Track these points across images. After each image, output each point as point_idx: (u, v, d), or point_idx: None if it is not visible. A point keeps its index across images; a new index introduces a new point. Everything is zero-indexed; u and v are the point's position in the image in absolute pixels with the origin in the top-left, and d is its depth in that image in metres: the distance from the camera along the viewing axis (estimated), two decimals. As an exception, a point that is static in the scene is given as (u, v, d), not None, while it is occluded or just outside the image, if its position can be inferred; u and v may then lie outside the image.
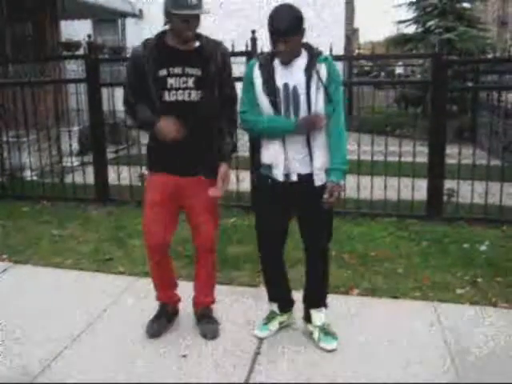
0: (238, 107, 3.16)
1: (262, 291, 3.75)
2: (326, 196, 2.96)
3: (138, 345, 3.30)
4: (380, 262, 4.48)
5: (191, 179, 3.15)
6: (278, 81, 2.96)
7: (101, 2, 11.77)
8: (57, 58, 8.42)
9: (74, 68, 8.73)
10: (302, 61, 2.97)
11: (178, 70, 3.01)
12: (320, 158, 3.02)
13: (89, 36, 6.57)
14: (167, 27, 3.04)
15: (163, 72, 3.01)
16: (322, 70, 2.95)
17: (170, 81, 3.02)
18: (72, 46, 8.48)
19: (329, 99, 2.96)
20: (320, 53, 3.02)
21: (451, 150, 5.77)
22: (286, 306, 3.43)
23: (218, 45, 3.12)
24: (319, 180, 3.04)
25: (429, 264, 4.45)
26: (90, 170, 6.74)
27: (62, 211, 6.23)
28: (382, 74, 17.88)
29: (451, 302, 3.80)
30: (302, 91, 2.94)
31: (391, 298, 3.89)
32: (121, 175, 6.35)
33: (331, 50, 5.45)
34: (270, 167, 3.09)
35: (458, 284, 4.07)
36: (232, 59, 3.27)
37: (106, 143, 6.76)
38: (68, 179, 7.00)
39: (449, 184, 5.66)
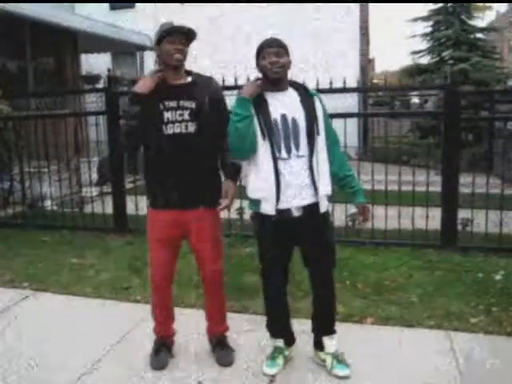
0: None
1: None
2: (361, 218, 3.10)
3: (156, 372, 3.35)
4: (394, 291, 4.50)
5: (193, 212, 3.20)
6: (273, 112, 3.02)
7: (119, 36, 12.06)
8: (77, 92, 8.63)
9: (93, 100, 8.94)
10: (293, 94, 3.07)
11: (173, 104, 3.13)
12: (325, 185, 3.08)
13: (108, 70, 6.75)
14: (161, 67, 3.19)
15: (160, 106, 3.12)
16: (317, 103, 3.08)
17: (167, 114, 3.12)
18: (92, 78, 8.70)
19: (328, 130, 3.11)
20: (305, 85, 3.17)
21: (465, 180, 5.81)
22: (291, 340, 3.44)
23: (210, 79, 3.26)
24: (323, 207, 3.09)
25: (443, 293, 4.46)
26: (108, 199, 6.86)
27: (81, 240, 6.35)
28: (397, 103, 17.96)
29: (465, 331, 3.80)
30: (302, 123, 3.01)
31: (405, 327, 3.90)
32: (139, 205, 6.45)
33: (344, 82, 5.57)
34: (258, 202, 3.10)
35: (473, 313, 4.07)
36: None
37: (125, 173, 6.89)
38: (87, 209, 7.14)
39: (463, 213, 5.68)
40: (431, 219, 5.66)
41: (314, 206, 3.06)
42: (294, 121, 3.01)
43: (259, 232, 3.23)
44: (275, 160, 3.00)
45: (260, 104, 3.02)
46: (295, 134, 3.01)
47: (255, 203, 3.12)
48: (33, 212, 7.28)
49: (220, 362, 3.40)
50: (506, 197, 5.69)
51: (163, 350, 3.48)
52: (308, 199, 3.05)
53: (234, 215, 5.92)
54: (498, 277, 4.75)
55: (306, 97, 3.08)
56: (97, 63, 13.20)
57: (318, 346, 3.35)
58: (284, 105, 3.03)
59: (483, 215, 5.58)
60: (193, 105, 3.13)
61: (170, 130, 3.12)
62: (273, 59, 2.96)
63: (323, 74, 5.63)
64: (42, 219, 7.08)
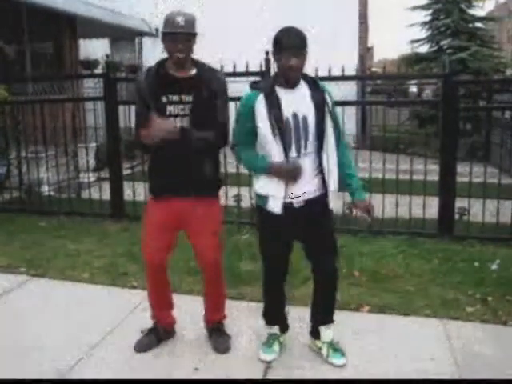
0: (230, 137, 3.22)
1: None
2: (365, 215, 3.12)
3: (152, 357, 3.37)
4: (390, 280, 4.52)
5: (190, 201, 3.19)
6: (285, 110, 2.97)
7: (118, 21, 11.99)
8: (75, 77, 8.60)
9: (90, 85, 8.91)
10: (303, 89, 3.03)
11: (175, 98, 3.11)
12: (334, 181, 3.10)
13: (107, 55, 6.72)
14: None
15: (163, 99, 3.12)
16: (327, 98, 3.03)
17: (170, 108, 3.12)
18: (90, 64, 8.65)
19: (335, 125, 3.07)
20: (315, 78, 3.12)
21: (463, 169, 5.82)
22: (286, 327, 3.47)
23: (214, 73, 3.21)
24: (332, 202, 3.12)
25: (439, 282, 4.48)
26: (106, 185, 6.86)
27: (78, 226, 6.35)
28: (394, 92, 17.88)
29: (461, 320, 3.83)
30: (311, 120, 2.98)
31: (401, 316, 3.92)
32: (136, 191, 6.45)
33: (343, 70, 5.55)
34: (265, 198, 3.10)
35: (469, 302, 4.09)
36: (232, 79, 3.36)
37: (122, 159, 6.88)
38: (84, 195, 7.14)
39: (460, 202, 5.69)
40: (428, 208, 5.67)
41: (317, 200, 3.08)
42: (304, 119, 2.98)
43: (261, 224, 3.25)
44: (286, 158, 3.00)
45: (272, 101, 2.97)
46: (305, 132, 2.99)
47: (262, 198, 3.12)
48: (30, 197, 7.26)
49: (216, 349, 3.42)
50: (503, 186, 5.71)
51: (151, 334, 3.50)
52: (312, 193, 3.07)
53: (231, 202, 5.94)
54: (494, 266, 4.77)
55: (317, 92, 3.02)
56: (95, 48, 13.12)
57: (315, 334, 3.37)
58: (295, 102, 2.99)
59: (480, 204, 5.59)
60: (191, 99, 3.11)
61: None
62: (292, 63, 2.88)
63: (321, 61, 5.60)
64: (39, 204, 7.07)
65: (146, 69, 3.24)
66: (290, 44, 2.88)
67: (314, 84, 3.06)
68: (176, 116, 3.11)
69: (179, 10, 3.09)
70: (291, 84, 3.01)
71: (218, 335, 3.49)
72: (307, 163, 3.03)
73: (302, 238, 3.22)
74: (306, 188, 3.05)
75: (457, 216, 5.68)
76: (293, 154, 3.00)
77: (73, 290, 4.48)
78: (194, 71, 3.16)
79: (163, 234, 3.30)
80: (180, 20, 2.99)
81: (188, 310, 3.82)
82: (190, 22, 3.05)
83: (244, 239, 5.54)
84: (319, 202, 3.09)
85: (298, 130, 2.98)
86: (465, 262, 4.89)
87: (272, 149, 2.99)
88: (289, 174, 2.97)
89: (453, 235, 5.56)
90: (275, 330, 3.41)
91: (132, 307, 4.07)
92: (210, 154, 3.25)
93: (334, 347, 3.29)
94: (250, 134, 3.05)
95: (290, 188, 3.02)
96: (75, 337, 3.62)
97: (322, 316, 3.35)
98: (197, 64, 3.19)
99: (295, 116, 2.98)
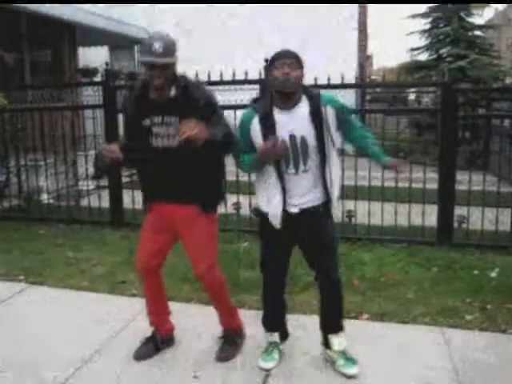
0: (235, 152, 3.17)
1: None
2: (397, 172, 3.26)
3: (150, 365, 3.36)
4: (390, 287, 4.52)
5: (183, 211, 3.19)
6: (282, 132, 2.96)
7: (117, 29, 12.02)
8: (75, 85, 8.61)
9: (90, 93, 8.91)
10: (304, 107, 2.99)
11: (158, 119, 3.11)
12: (337, 188, 3.13)
13: (106, 63, 6.73)
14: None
15: (147, 122, 3.13)
16: (330, 114, 2.99)
17: (154, 129, 3.12)
18: (89, 72, 8.66)
19: (348, 126, 3.13)
20: (319, 94, 3.04)
21: (462, 177, 5.82)
22: (286, 335, 3.46)
23: (197, 88, 3.08)
24: (334, 209, 3.16)
25: (438, 290, 4.48)
26: (105, 193, 6.86)
27: (77, 234, 6.34)
28: (394, 100, 17.90)
29: (460, 328, 3.82)
30: (311, 140, 2.97)
31: (400, 323, 3.92)
32: (135, 199, 6.44)
33: (342, 78, 5.57)
34: (267, 215, 3.13)
35: (468, 310, 4.09)
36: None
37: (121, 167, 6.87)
38: (84, 202, 7.14)
39: (459, 210, 5.70)
40: (427, 216, 5.68)
41: (318, 208, 3.09)
42: (302, 139, 2.98)
43: (262, 232, 3.27)
44: (282, 177, 3.03)
45: (267, 124, 2.97)
46: (304, 151, 2.99)
47: (263, 210, 3.16)
48: (29, 205, 7.26)
49: (217, 357, 3.41)
50: (502, 194, 5.71)
51: (150, 343, 3.50)
52: (312, 202, 3.08)
53: (230, 210, 5.94)
54: (493, 274, 4.77)
55: (317, 108, 2.98)
56: (94, 56, 13.15)
57: (326, 344, 3.34)
58: (293, 122, 2.97)
59: (479, 212, 5.60)
60: (177, 120, 3.05)
61: (158, 143, 3.13)
62: (285, 70, 2.88)
63: (321, 69, 5.62)
64: (38, 212, 7.07)
65: (128, 91, 3.25)
66: (281, 55, 2.93)
67: (317, 99, 3.00)
68: (162, 137, 3.11)
69: (158, 34, 3.01)
70: (288, 101, 2.98)
71: (223, 344, 3.49)
72: (307, 177, 3.05)
73: (304, 246, 3.22)
74: (306, 198, 3.07)
75: (456, 224, 5.69)
76: (291, 170, 3.03)
77: (72, 298, 4.48)
78: (173, 92, 3.08)
79: (155, 237, 3.30)
80: (158, 47, 2.90)
81: (188, 317, 3.81)
82: (168, 47, 2.96)
83: (243, 247, 5.53)
84: (319, 211, 3.10)
85: (295, 150, 2.99)
86: (464, 270, 4.89)
87: (268, 167, 3.04)
88: (274, 150, 2.91)
89: (452, 243, 5.56)
90: (275, 337, 3.40)
91: (131, 315, 4.06)
92: (201, 172, 3.17)
93: (346, 356, 3.26)
94: (248, 146, 3.08)
95: (290, 199, 3.05)
96: (73, 345, 3.61)
97: (329, 325, 3.33)
98: (179, 82, 3.09)
99: (293, 137, 2.97)
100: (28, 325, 3.95)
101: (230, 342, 3.50)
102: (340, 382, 3.16)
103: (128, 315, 4.06)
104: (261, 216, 3.19)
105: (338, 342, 3.29)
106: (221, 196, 3.38)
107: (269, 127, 2.97)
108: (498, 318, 3.94)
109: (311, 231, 3.12)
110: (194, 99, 3.04)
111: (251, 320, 3.82)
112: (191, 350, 3.54)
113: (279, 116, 2.99)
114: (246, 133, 3.06)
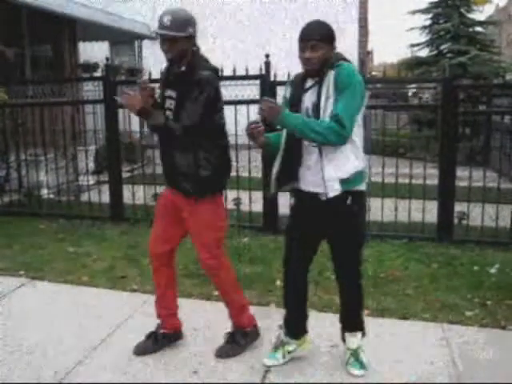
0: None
1: (273, 311, 3.83)
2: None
3: (151, 360, 3.36)
4: (390, 283, 4.52)
5: (183, 198, 3.21)
6: (306, 101, 2.95)
7: (118, 24, 12.01)
8: (75, 80, 8.61)
9: (90, 88, 8.91)
10: (332, 76, 2.87)
11: (168, 92, 3.18)
12: (331, 168, 2.91)
13: (107, 59, 6.72)
14: None
15: (165, 93, 3.21)
16: (330, 79, 2.85)
17: (167, 102, 3.19)
18: (90, 67, 8.67)
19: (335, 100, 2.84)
20: (335, 60, 2.89)
21: (462, 173, 5.82)
22: (298, 333, 3.34)
23: (200, 70, 3.07)
24: (331, 190, 2.91)
25: (438, 286, 4.48)
26: (105, 188, 6.86)
27: (77, 229, 6.35)
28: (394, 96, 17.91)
29: (460, 324, 3.82)
30: (319, 107, 2.88)
31: (400, 319, 3.92)
32: (135, 194, 6.45)
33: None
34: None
35: (468, 306, 4.09)
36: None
37: (122, 162, 6.89)
38: (84, 198, 7.14)
39: (460, 206, 5.70)
40: (427, 212, 5.68)
41: (324, 197, 2.95)
42: (315, 106, 2.92)
43: (290, 213, 3.31)
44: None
45: (297, 92, 3.00)
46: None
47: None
48: (29, 200, 7.26)
49: (216, 353, 3.40)
50: (502, 190, 5.72)
51: (151, 337, 3.49)
52: (318, 188, 2.95)
53: (230, 205, 5.94)
54: (493, 270, 4.77)
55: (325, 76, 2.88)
56: (95, 51, 13.15)
57: (344, 338, 3.31)
58: (321, 91, 2.88)
59: (479, 209, 5.60)
60: (175, 95, 3.13)
61: (167, 116, 3.16)
62: (306, 55, 2.86)
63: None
64: (39, 207, 7.08)
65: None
66: (302, 33, 2.90)
67: (327, 68, 2.89)
68: (168, 110, 3.16)
69: (174, 8, 3.10)
70: (316, 76, 2.92)
71: (227, 341, 3.46)
72: (316, 152, 2.95)
73: (325, 235, 3.14)
74: (311, 178, 2.98)
75: (456, 220, 5.69)
76: (306, 143, 2.98)
77: (72, 293, 4.48)
78: (183, 68, 3.12)
79: (164, 221, 3.33)
80: (166, 20, 2.97)
81: (189, 313, 3.81)
82: (178, 21, 2.98)
83: (244, 242, 5.53)
84: (334, 201, 2.94)
85: (316, 118, 2.90)
86: (464, 266, 4.89)
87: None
88: (264, 110, 2.86)
89: (452, 239, 5.56)
90: (284, 336, 3.34)
91: (132, 310, 4.07)
92: (192, 156, 3.15)
93: (357, 357, 3.23)
94: None
95: (301, 175, 3.02)
96: (74, 339, 3.62)
97: (345, 322, 3.30)
98: (192, 60, 3.11)
99: (316, 105, 2.90)
100: (27, 319, 3.96)
101: (234, 339, 3.44)
102: (340, 379, 3.16)
103: (128, 310, 4.07)
104: (293, 198, 3.20)
105: (351, 340, 3.25)
106: (220, 181, 3.30)
107: (297, 94, 2.99)
108: (498, 315, 3.94)
109: (331, 221, 3.06)
110: (196, 77, 3.04)
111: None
112: (192, 346, 3.54)
113: (310, 84, 2.97)
114: (284, 101, 3.08)
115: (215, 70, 3.19)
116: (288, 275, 3.28)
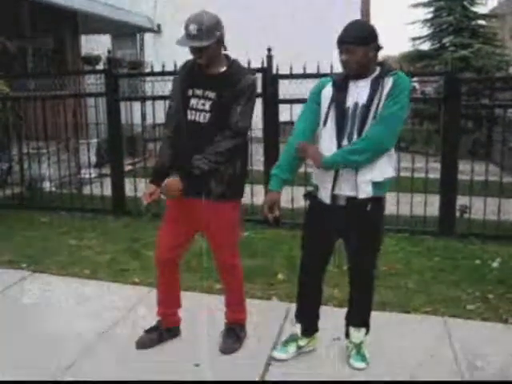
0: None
1: (275, 304, 3.83)
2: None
3: (152, 353, 3.37)
4: (391, 277, 4.52)
5: (202, 202, 3.16)
6: (349, 100, 2.93)
7: (120, 17, 11.98)
8: (77, 73, 8.60)
9: (92, 81, 8.90)
10: (373, 79, 2.91)
11: (199, 92, 3.11)
12: (366, 173, 2.94)
13: (109, 52, 6.71)
14: None
15: (189, 92, 3.13)
16: (388, 84, 2.87)
17: (192, 101, 3.12)
18: (92, 60, 8.66)
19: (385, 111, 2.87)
20: (390, 68, 2.94)
21: (464, 167, 5.82)
22: (311, 329, 3.36)
23: (242, 73, 3.11)
24: (363, 192, 2.95)
25: (440, 279, 4.49)
26: (107, 181, 6.87)
27: (79, 222, 6.36)
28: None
29: (462, 318, 3.83)
30: (369, 109, 2.88)
31: (402, 313, 3.93)
32: (137, 187, 6.45)
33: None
34: (317, 188, 3.11)
35: (469, 300, 4.10)
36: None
37: (124, 156, 6.89)
38: (86, 191, 7.14)
39: (462, 200, 5.69)
40: (429, 206, 5.68)
41: (356, 200, 2.98)
42: (363, 108, 2.90)
43: (307, 213, 3.27)
44: (339, 147, 2.95)
45: (339, 92, 2.96)
46: (362, 121, 2.90)
47: (315, 187, 3.14)
48: (31, 193, 7.27)
49: (221, 348, 3.40)
50: (504, 184, 5.71)
51: (153, 332, 3.48)
52: (353, 191, 2.97)
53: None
54: (494, 264, 4.78)
55: (380, 77, 2.89)
56: (97, 44, 13.12)
57: (347, 334, 3.32)
58: (359, 91, 2.91)
59: (481, 202, 5.60)
60: (214, 96, 3.09)
61: (192, 116, 3.13)
62: (343, 58, 2.88)
63: (322, 58, 5.60)
64: (41, 200, 7.09)
65: (185, 61, 3.25)
66: (339, 40, 2.89)
67: (385, 70, 2.91)
68: (196, 110, 3.12)
69: (198, 14, 2.99)
70: (358, 77, 2.93)
71: (227, 335, 3.46)
72: None
73: (344, 234, 3.15)
74: (348, 186, 2.98)
75: (458, 214, 5.69)
76: (344, 142, 2.95)
77: (74, 286, 4.48)
78: (223, 68, 3.12)
79: (177, 226, 3.30)
80: (192, 29, 2.93)
81: (189, 307, 3.82)
82: (205, 28, 2.94)
83: (245, 236, 5.53)
84: (357, 202, 2.98)
85: (354, 118, 2.92)
86: (466, 260, 4.90)
87: (325, 136, 3.01)
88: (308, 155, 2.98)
89: (454, 233, 5.56)
90: (297, 329, 3.34)
91: (134, 303, 4.07)
92: (238, 153, 3.17)
93: (358, 350, 3.24)
94: (312, 112, 3.05)
95: (338, 179, 2.98)
96: (76, 332, 3.62)
97: (352, 317, 3.31)
98: (229, 61, 3.14)
99: (356, 105, 2.92)
100: (29, 312, 3.96)
101: (234, 334, 3.46)
102: (340, 373, 3.17)
103: (130, 303, 4.07)
104: (311, 194, 3.18)
105: (356, 335, 3.26)
106: (239, 187, 3.33)
107: (339, 92, 2.95)
108: (500, 308, 3.95)
109: (351, 223, 3.08)
110: (235, 79, 3.06)
111: (253, 309, 3.82)
112: (193, 339, 3.53)
113: (352, 85, 2.95)
114: (314, 97, 3.05)
115: (252, 73, 3.25)
116: (304, 276, 3.30)
